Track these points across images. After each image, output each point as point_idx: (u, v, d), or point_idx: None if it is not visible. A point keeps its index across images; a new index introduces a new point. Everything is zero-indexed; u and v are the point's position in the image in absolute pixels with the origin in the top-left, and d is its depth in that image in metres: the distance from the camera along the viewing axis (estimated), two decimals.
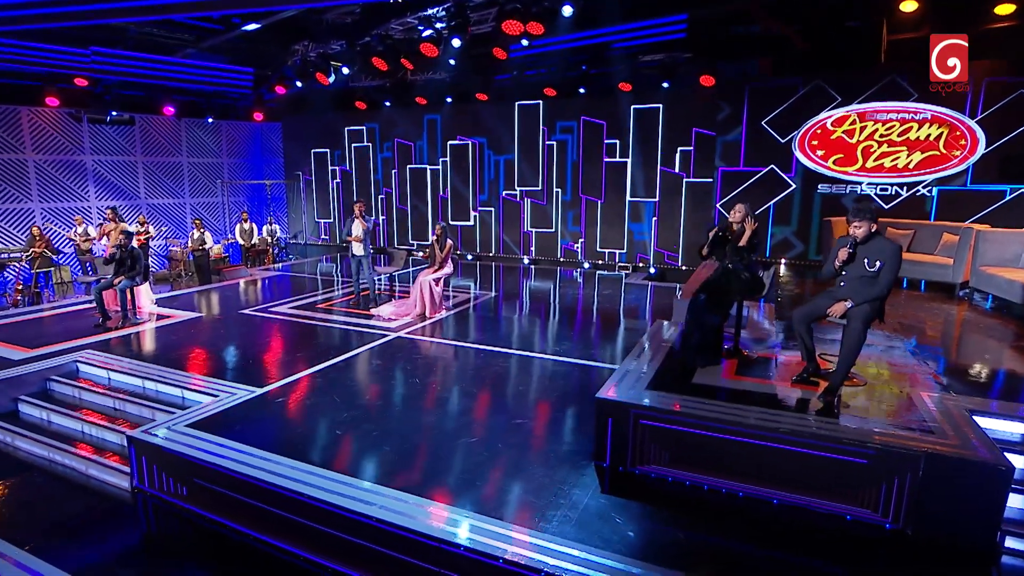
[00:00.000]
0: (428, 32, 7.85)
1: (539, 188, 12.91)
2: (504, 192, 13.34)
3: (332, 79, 9.95)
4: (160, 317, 8.27)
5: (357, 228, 8.26)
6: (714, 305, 4.76)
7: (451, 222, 14.07)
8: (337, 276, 11.81)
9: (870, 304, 4.23)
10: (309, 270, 12.54)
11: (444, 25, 7.82)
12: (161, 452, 4.37)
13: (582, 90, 11.51)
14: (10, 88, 11.78)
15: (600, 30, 9.52)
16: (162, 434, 4.53)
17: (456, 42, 7.72)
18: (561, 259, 12.97)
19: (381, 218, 14.91)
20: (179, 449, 4.31)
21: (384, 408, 5.19)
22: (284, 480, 3.86)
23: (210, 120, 14.78)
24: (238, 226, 13.87)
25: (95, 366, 6.28)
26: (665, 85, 10.59)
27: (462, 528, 3.38)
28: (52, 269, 11.82)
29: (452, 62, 9.59)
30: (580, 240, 12.65)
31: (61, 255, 12.36)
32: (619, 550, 3.24)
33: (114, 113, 12.94)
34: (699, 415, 3.97)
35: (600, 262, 12.54)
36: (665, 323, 6.07)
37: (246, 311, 8.64)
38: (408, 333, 7.44)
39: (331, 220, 16.03)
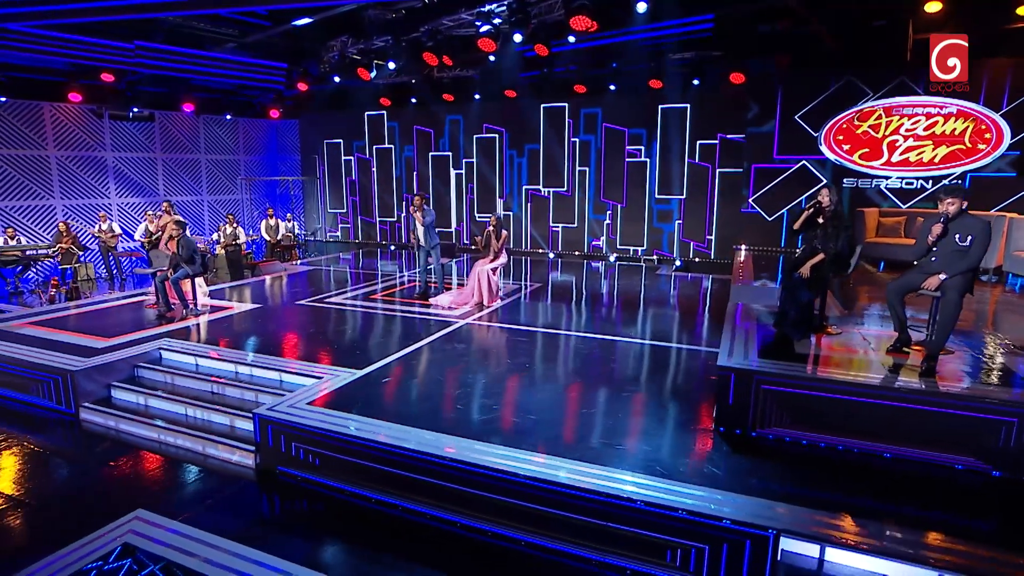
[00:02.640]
0: (486, 27, 8.04)
1: (564, 187, 13.20)
2: (529, 187, 13.59)
3: (374, 74, 10.07)
4: (215, 309, 8.30)
5: (416, 221, 8.41)
6: (807, 283, 5.05)
7: (477, 216, 14.26)
8: (359, 271, 11.85)
9: (963, 276, 4.58)
10: (336, 265, 12.55)
11: (502, 20, 8.02)
12: (292, 428, 4.50)
13: (612, 87, 11.80)
14: (34, 84, 11.66)
15: (631, 28, 9.78)
16: (290, 412, 4.66)
17: (518, 37, 7.94)
18: (587, 253, 13.26)
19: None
20: (314, 424, 4.44)
21: (491, 386, 5.37)
22: (439, 450, 4.04)
23: (228, 117, 14.74)
24: (263, 222, 13.86)
25: (180, 353, 6.34)
26: (695, 82, 10.93)
27: (631, 486, 3.59)
28: (77, 266, 11.69)
29: (492, 58, 9.79)
30: (606, 223, 12.96)
31: (87, 251, 12.22)
32: (776, 499, 3.50)
33: (135, 109, 12.86)
34: (824, 379, 4.28)
35: (624, 256, 12.86)
36: (741, 305, 6.37)
37: (302, 302, 8.71)
38: (474, 320, 7.62)
39: (344, 211, 16.08)
